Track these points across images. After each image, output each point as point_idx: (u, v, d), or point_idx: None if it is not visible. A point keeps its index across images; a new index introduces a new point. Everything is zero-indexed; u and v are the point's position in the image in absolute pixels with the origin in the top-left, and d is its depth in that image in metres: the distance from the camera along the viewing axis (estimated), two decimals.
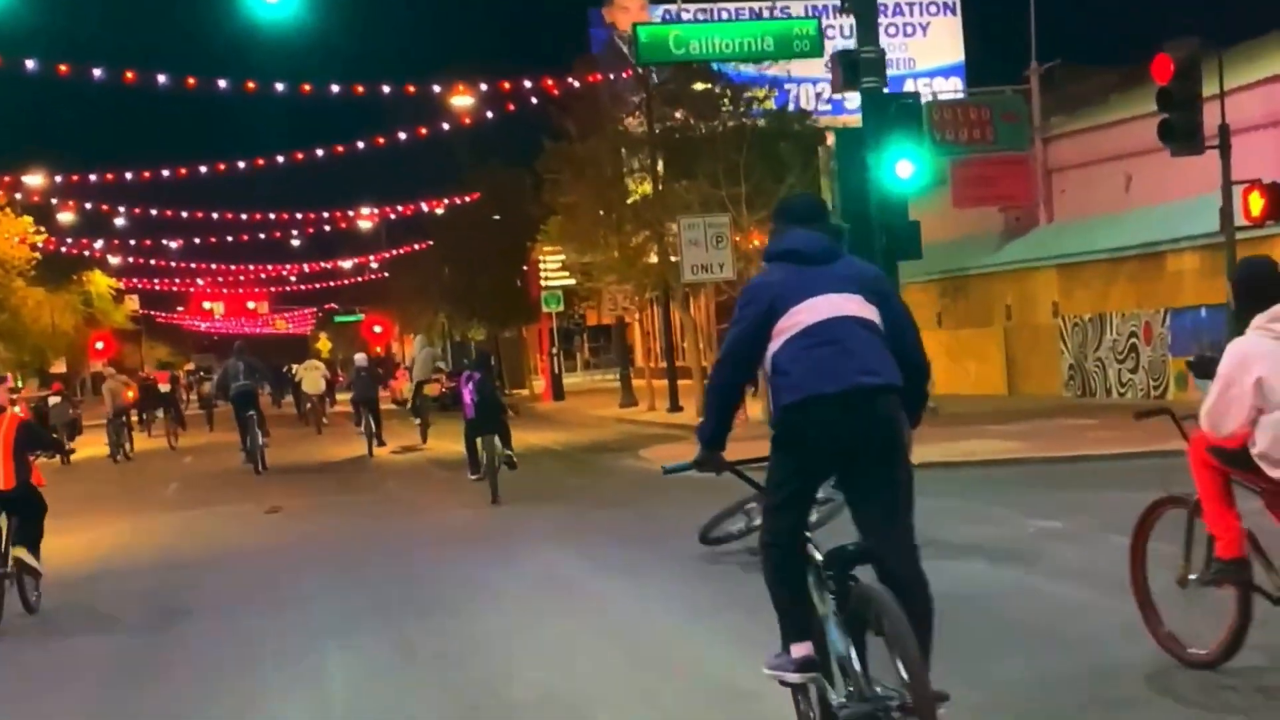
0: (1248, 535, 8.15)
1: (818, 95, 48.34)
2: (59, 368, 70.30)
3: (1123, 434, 19.22)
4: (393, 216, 76.00)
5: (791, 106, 43.21)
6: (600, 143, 41.71)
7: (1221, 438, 8.04)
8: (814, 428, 6.53)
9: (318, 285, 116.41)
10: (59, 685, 10.98)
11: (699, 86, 39.95)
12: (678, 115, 40.89)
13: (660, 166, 40.65)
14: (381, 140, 53.09)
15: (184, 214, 67.10)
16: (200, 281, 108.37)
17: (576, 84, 44.49)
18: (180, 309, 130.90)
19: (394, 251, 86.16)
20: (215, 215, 69.44)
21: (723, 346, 7.00)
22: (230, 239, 78.66)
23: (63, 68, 38.98)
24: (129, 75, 40.30)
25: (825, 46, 36.51)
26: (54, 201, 61.46)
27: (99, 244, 74.77)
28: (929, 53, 51.64)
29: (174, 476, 30.83)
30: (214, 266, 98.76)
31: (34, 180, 56.28)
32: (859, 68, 23.35)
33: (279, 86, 44.18)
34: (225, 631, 12.48)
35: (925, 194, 25.90)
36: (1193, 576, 8.39)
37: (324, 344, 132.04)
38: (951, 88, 47.87)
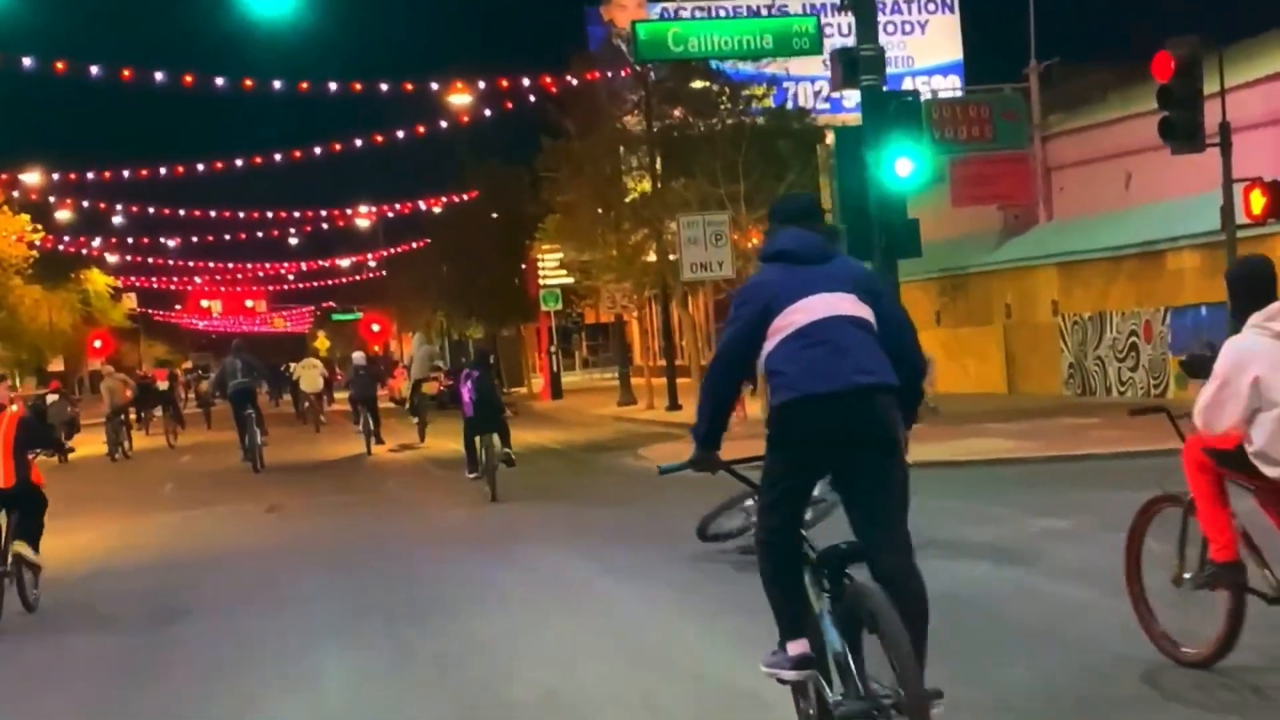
0: (1242, 535, 8.15)
1: (816, 93, 48.35)
2: (57, 366, 70.26)
3: (1124, 433, 19.15)
4: (391, 215, 76.16)
5: (790, 105, 43.20)
6: (598, 141, 41.71)
7: (1214, 436, 8.04)
8: (809, 427, 6.56)
9: (316, 284, 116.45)
10: (58, 685, 10.94)
11: (697, 84, 39.92)
12: (676, 113, 40.86)
13: (659, 165, 40.62)
14: (379, 138, 53.15)
15: (182, 212, 67.27)
16: (198, 280, 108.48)
17: (575, 82, 44.46)
18: (178, 307, 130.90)
19: (392, 250, 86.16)
20: (213, 213, 69.55)
21: (718, 346, 7.04)
22: (228, 237, 78.73)
23: (60, 65, 38.96)
24: (126, 73, 40.32)
25: (823, 45, 36.47)
26: (51, 199, 61.45)
27: (96, 242, 74.77)
28: (927, 51, 51.64)
29: (172, 475, 30.80)
30: (212, 265, 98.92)
31: (31, 178, 56.27)
32: (858, 65, 23.30)
33: (277, 85, 44.22)
34: (224, 631, 12.44)
35: (924, 192, 25.85)
36: (1187, 575, 8.38)
37: (322, 342, 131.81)
38: (950, 86, 47.86)
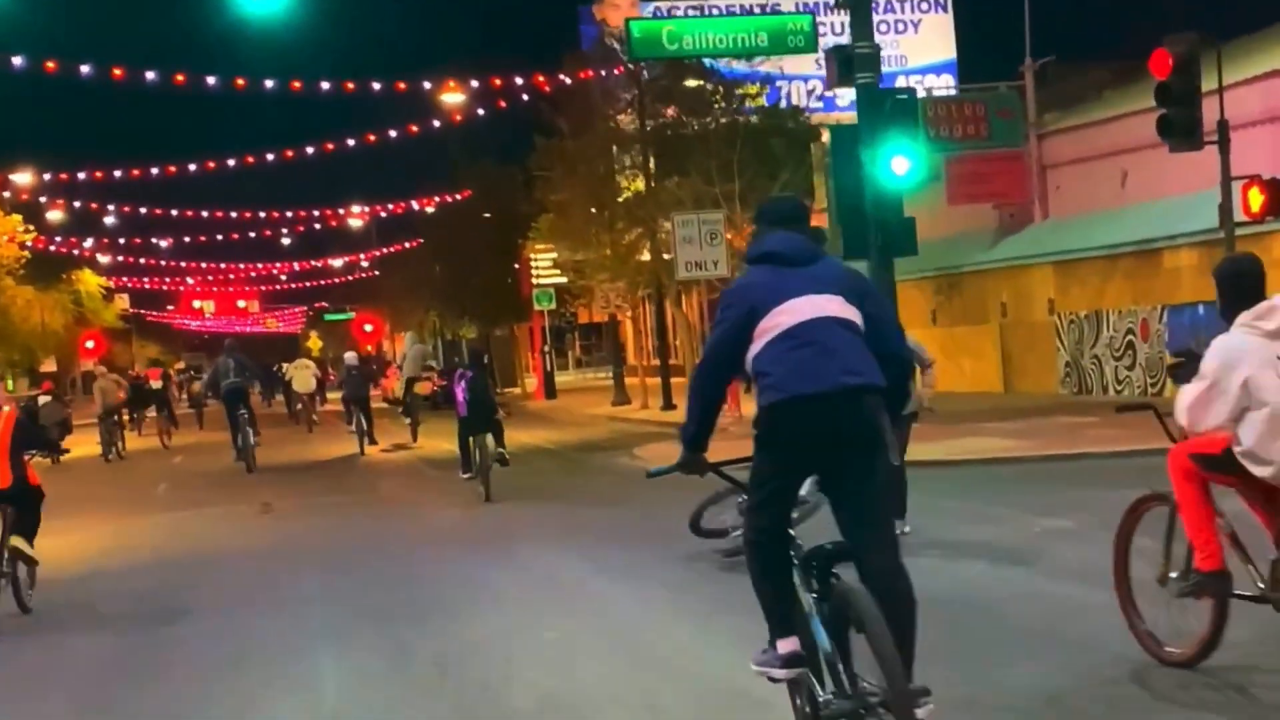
0: (1229, 535, 8.14)
1: (809, 92, 48.37)
2: (49, 367, 70.07)
3: (1121, 431, 19.06)
4: (383, 214, 76.10)
5: (784, 103, 43.16)
6: (592, 140, 41.67)
7: (1201, 440, 8.05)
8: (797, 427, 6.58)
9: (308, 284, 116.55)
10: (56, 685, 10.90)
11: (691, 83, 39.86)
12: (670, 112, 40.81)
13: (652, 164, 40.55)
14: (372, 138, 53.10)
15: (174, 212, 67.16)
16: (190, 280, 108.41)
17: (568, 81, 44.41)
18: (170, 308, 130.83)
19: (385, 250, 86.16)
20: (205, 213, 69.53)
21: (705, 348, 7.08)
22: (220, 237, 78.74)
23: (51, 65, 38.80)
24: (117, 72, 40.17)
25: (818, 44, 36.37)
26: (43, 200, 61.33)
27: (88, 243, 74.65)
28: (921, 50, 51.71)
29: (165, 476, 30.71)
30: (204, 265, 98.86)
31: (23, 178, 56.15)
32: (853, 63, 23.13)
33: (269, 84, 44.12)
34: (221, 632, 12.36)
35: (919, 191, 25.75)
36: (1173, 575, 8.37)
37: (315, 342, 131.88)
38: (943, 85, 47.92)
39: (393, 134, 52.45)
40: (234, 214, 71.97)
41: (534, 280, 55.64)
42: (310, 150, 53.51)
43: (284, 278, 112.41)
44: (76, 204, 63.30)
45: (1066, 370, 33.53)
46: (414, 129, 52.22)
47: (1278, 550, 7.91)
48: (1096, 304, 32.70)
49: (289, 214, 75.15)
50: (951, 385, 34.06)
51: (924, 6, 52.97)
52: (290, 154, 53.97)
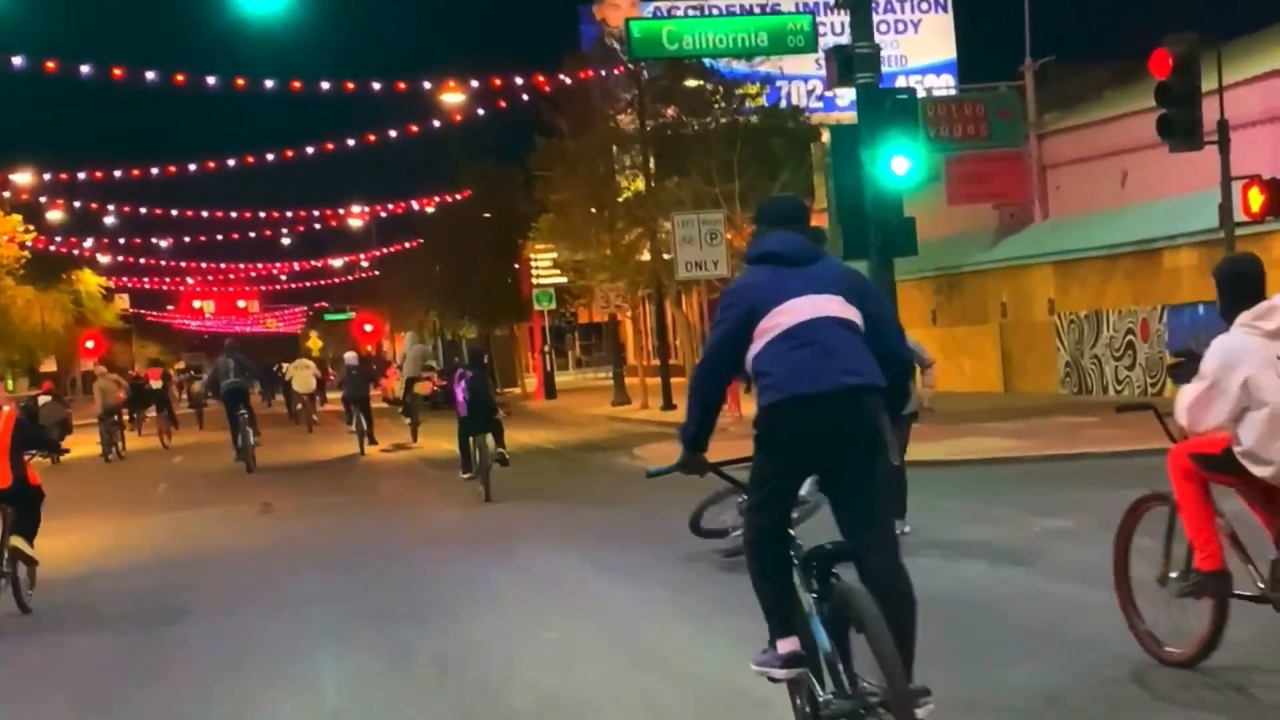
0: (1229, 535, 8.14)
1: (809, 92, 48.34)
2: (49, 367, 70.03)
3: (1121, 431, 19.04)
4: (383, 214, 76.05)
5: (784, 104, 43.14)
6: (592, 140, 41.64)
7: (1201, 440, 8.05)
8: (797, 427, 6.58)
9: (308, 284, 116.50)
10: (56, 685, 10.89)
11: (691, 83, 39.84)
12: (670, 112, 40.79)
13: (652, 164, 40.53)
14: (372, 138, 53.06)
15: (174, 212, 67.09)
16: (190, 280, 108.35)
17: (568, 81, 44.39)
18: (170, 308, 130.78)
19: (385, 250, 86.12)
20: (205, 213, 69.45)
21: (704, 348, 7.09)
22: (220, 237, 78.69)
23: (51, 65, 38.78)
24: (117, 72, 40.14)
25: (818, 44, 36.36)
26: (43, 200, 61.29)
27: (88, 243, 74.61)
28: (920, 50, 51.69)
29: (165, 476, 30.69)
30: (204, 265, 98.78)
31: (23, 178, 56.11)
32: (853, 62, 23.11)
33: (269, 84, 44.09)
34: (222, 632, 12.34)
35: (919, 191, 25.74)
36: (1173, 575, 8.37)
37: (315, 343, 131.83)
38: (943, 85, 47.88)
39: (393, 134, 52.47)
40: (234, 214, 72.02)
41: (534, 280, 55.61)
42: (310, 150, 53.53)
43: (284, 278, 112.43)
44: (76, 204, 63.34)
45: (1066, 370, 33.52)
46: (414, 129, 52.24)
47: (1278, 550, 7.91)
48: (1096, 304, 32.68)
49: (289, 214, 75.20)
50: (951, 385, 34.05)
51: (924, 6, 52.96)
52: (290, 154, 53.98)
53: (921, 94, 39.14)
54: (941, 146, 35.54)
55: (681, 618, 11.46)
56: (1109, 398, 30.84)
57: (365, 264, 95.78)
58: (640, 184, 41.41)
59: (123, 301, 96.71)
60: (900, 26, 52.02)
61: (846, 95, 38.96)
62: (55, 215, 65.30)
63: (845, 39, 24.42)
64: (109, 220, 69.15)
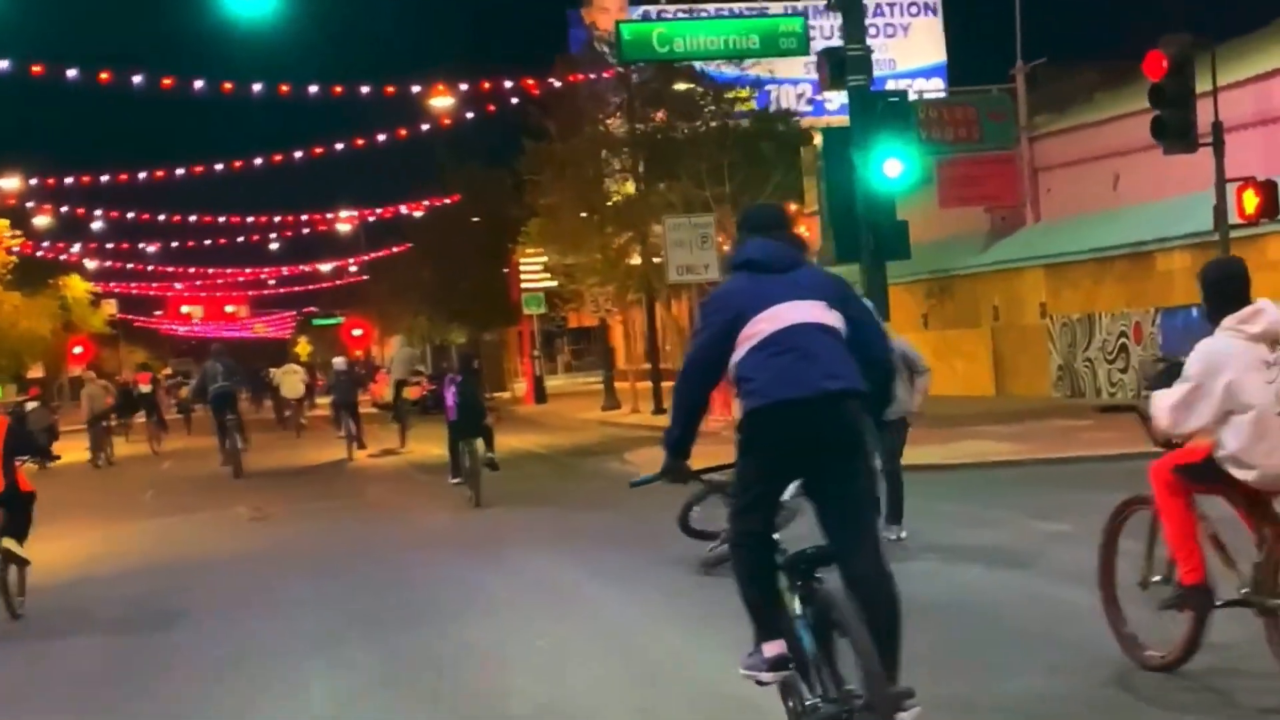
0: (1211, 538, 8.15)
1: (799, 96, 48.28)
2: (36, 373, 69.79)
3: (1116, 435, 18.95)
4: (372, 219, 75.90)
5: (773, 107, 43.08)
6: (581, 143, 41.53)
7: (1179, 434, 8.07)
8: (779, 432, 6.66)
9: (297, 288, 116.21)
10: (49, 691, 10.89)
11: (681, 87, 39.77)
12: (659, 116, 40.71)
13: (641, 167, 40.45)
14: (360, 142, 52.87)
15: (161, 217, 66.78)
16: (178, 285, 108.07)
17: (557, 84, 44.29)
18: (158, 313, 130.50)
19: (373, 254, 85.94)
20: (193, 218, 69.12)
21: (688, 355, 7.13)
22: (208, 242, 78.43)
23: (37, 68, 38.61)
24: (104, 76, 39.96)
25: (809, 46, 36.32)
26: (30, 205, 61.07)
27: (76, 248, 74.41)
28: (910, 53, 51.63)
29: (154, 482, 30.58)
30: (192, 270, 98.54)
31: (9, 183, 55.90)
32: (845, 65, 23.04)
33: (256, 88, 43.94)
34: (212, 641, 12.24)
35: (910, 194, 25.65)
36: (1155, 579, 8.42)
37: (303, 347, 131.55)
38: (933, 88, 47.78)
39: (381, 138, 52.30)
40: (222, 218, 71.71)
41: (523, 284, 55.51)
42: (298, 154, 53.36)
43: (272, 282, 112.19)
44: (63, 209, 63.06)
45: (1059, 373, 33.44)
46: (402, 133, 52.08)
47: (1260, 553, 7.92)
48: (1089, 307, 32.62)
49: (277, 218, 74.91)
50: (944, 388, 33.90)
51: (913, 10, 52.91)
52: (279, 158, 53.77)
53: (913, 97, 39.13)
54: (933, 149, 35.53)
55: (675, 622, 11.41)
56: (1102, 401, 30.72)
57: (354, 268, 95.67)
58: (630, 188, 41.32)
59: (110, 307, 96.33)
60: (890, 30, 51.96)
61: (836, 99, 39.02)
62: (42, 220, 65.04)
63: (835, 42, 24.35)
64: (96, 225, 68.93)
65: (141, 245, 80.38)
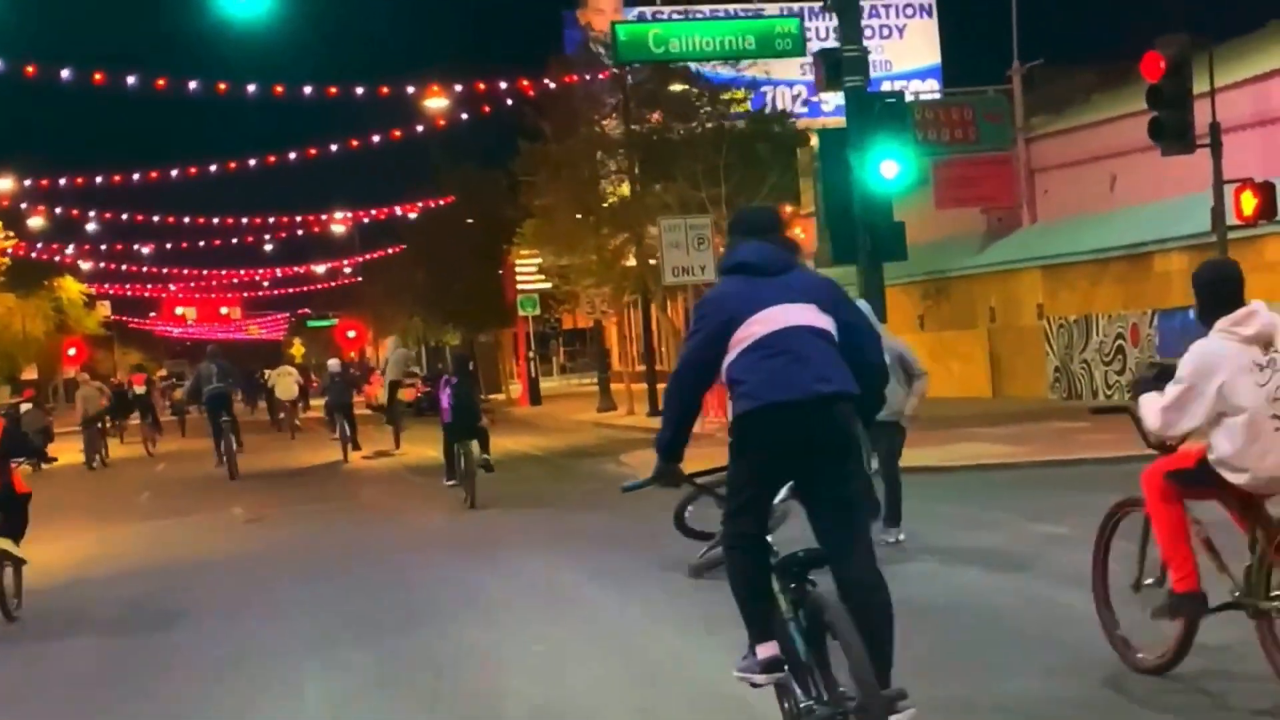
0: (1204, 541, 8.14)
1: (795, 97, 48.23)
2: (30, 374, 69.79)
3: (1114, 436, 18.86)
4: (366, 220, 75.85)
5: (769, 109, 43.04)
6: (576, 144, 41.47)
7: (1170, 436, 8.08)
8: (770, 435, 6.66)
9: (291, 290, 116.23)
10: (47, 692, 10.89)
11: (676, 88, 39.72)
12: (655, 117, 40.66)
13: (637, 169, 40.39)
14: (355, 143, 52.83)
15: (155, 218, 66.72)
16: (172, 287, 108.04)
17: (552, 85, 44.23)
18: (152, 315, 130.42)
19: (367, 256, 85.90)
20: (187, 220, 69.06)
21: (680, 357, 7.15)
22: (202, 244, 78.41)
23: (30, 69, 38.52)
24: (98, 77, 39.87)
25: (805, 47, 36.27)
26: (23, 206, 60.97)
27: (70, 249, 74.35)
28: (906, 55, 51.61)
29: (148, 484, 30.53)
30: (186, 271, 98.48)
31: (3, 185, 55.81)
32: (842, 66, 22.99)
33: (250, 89, 43.87)
34: (208, 642, 12.21)
35: (907, 195, 25.59)
36: (1147, 581, 8.44)
37: (297, 349, 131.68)
38: (928, 89, 47.75)
39: (376, 139, 52.26)
40: (216, 220, 71.70)
41: (518, 286, 55.43)
42: (293, 155, 53.33)
43: (266, 284, 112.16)
44: (57, 210, 62.99)
45: (1056, 375, 33.39)
46: (397, 134, 52.02)
47: (1252, 555, 7.92)
48: (1086, 308, 32.58)
49: (271, 220, 74.86)
50: (940, 390, 33.83)
51: (909, 11, 52.89)
52: (273, 159, 53.72)
53: (908, 98, 39.11)
54: (929, 150, 35.50)
55: (672, 623, 11.38)
56: (1099, 403, 30.68)
57: (348, 270, 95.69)
58: (625, 189, 41.26)
59: (104, 308, 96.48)
60: (885, 31, 51.91)
61: (832, 100, 38.95)
62: (36, 221, 64.98)
63: (831, 43, 24.30)
64: (90, 226, 68.91)
65: (136, 246, 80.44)
